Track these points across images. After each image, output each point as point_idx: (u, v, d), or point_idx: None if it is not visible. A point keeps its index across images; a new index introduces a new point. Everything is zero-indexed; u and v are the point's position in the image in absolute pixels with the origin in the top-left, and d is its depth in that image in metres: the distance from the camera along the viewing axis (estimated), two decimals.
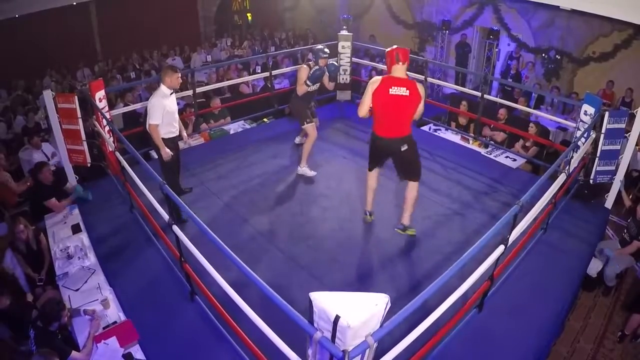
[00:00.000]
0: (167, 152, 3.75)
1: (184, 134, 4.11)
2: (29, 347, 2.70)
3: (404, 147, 3.39)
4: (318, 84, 4.58)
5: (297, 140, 5.40)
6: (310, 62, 4.55)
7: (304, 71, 4.47)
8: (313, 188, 4.51)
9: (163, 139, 3.75)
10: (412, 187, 3.55)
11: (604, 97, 7.21)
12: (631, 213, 4.03)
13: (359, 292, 1.85)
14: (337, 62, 6.51)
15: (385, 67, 3.55)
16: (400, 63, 3.24)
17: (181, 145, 5.42)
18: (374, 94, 3.25)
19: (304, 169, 4.67)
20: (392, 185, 4.52)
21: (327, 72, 4.58)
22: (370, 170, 3.71)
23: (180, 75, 3.77)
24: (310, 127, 4.56)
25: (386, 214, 4.09)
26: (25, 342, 2.81)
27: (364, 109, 3.36)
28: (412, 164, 3.51)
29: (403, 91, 3.20)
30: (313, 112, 4.79)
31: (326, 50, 4.58)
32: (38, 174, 4.11)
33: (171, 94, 3.76)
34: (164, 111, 3.68)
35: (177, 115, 3.91)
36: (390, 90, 3.21)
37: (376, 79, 3.28)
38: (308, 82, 4.44)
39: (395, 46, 3.33)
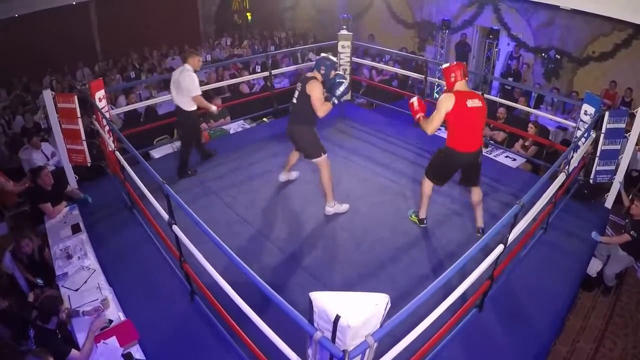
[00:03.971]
0: (217, 104, 4.81)
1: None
2: (28, 346, 2.70)
3: (479, 159, 3.47)
4: None
5: (283, 177, 4.54)
6: (315, 74, 3.74)
7: (318, 87, 3.64)
8: (313, 188, 4.50)
9: (193, 110, 4.50)
10: (477, 192, 3.62)
11: (607, 97, 7.21)
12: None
13: (359, 292, 1.85)
14: (337, 62, 6.51)
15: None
16: (466, 78, 3.29)
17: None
18: (454, 109, 3.20)
19: (335, 207, 4.03)
20: (395, 187, 4.52)
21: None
22: (437, 184, 3.69)
23: (201, 58, 4.58)
24: (325, 159, 3.84)
25: (386, 215, 4.09)
26: (25, 341, 2.81)
27: (434, 126, 3.29)
28: (478, 172, 3.57)
29: (477, 103, 3.23)
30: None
31: (334, 59, 3.87)
32: (37, 179, 4.07)
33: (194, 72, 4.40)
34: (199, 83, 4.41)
35: None
36: (467, 103, 3.20)
37: (448, 96, 3.22)
38: (335, 100, 3.73)
39: (451, 63, 3.35)
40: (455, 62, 3.35)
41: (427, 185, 3.68)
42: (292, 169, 4.53)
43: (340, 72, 3.86)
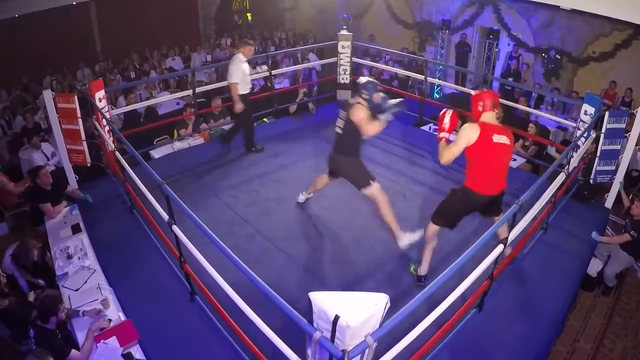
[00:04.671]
0: (240, 106, 4.74)
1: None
2: (29, 346, 2.70)
3: (501, 200, 3.08)
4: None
5: (302, 197, 4.23)
6: (359, 100, 3.45)
7: (362, 111, 3.35)
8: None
9: (240, 94, 4.71)
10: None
11: (607, 97, 7.21)
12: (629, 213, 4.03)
13: (358, 292, 1.85)
14: (337, 62, 6.51)
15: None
16: (495, 110, 2.89)
17: (181, 145, 5.49)
18: (478, 144, 2.76)
19: (407, 237, 3.52)
20: (395, 187, 4.52)
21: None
22: (448, 227, 3.16)
23: (253, 47, 4.93)
24: (377, 188, 3.49)
25: None
26: (25, 341, 2.81)
27: (449, 158, 2.81)
28: (501, 203, 3.16)
29: (505, 139, 2.81)
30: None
31: (376, 82, 3.52)
32: (36, 179, 4.07)
33: (246, 61, 4.79)
34: (241, 73, 4.70)
35: (249, 78, 4.92)
36: (493, 138, 2.77)
37: (472, 127, 2.79)
38: (388, 115, 3.34)
39: (482, 90, 3.00)
40: (486, 90, 2.94)
41: (433, 231, 3.14)
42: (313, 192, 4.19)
43: (385, 96, 3.44)
